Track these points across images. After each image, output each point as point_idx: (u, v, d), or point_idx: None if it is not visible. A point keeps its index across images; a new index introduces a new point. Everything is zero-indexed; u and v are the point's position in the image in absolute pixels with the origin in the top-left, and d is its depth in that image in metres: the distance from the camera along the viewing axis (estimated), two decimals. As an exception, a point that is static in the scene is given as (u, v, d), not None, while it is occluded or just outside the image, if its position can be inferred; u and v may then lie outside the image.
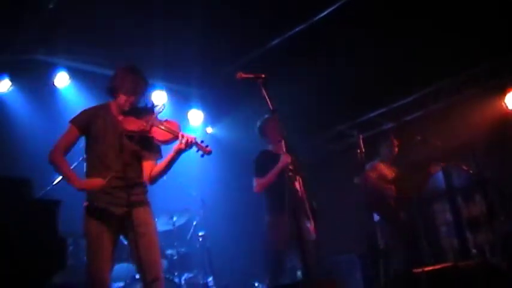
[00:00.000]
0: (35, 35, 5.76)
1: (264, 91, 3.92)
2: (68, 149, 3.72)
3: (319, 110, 7.55)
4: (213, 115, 7.80)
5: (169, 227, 6.23)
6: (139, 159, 3.80)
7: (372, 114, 7.95)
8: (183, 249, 6.22)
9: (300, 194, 4.80)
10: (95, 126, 3.71)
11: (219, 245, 6.73)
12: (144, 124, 3.66)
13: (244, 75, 3.99)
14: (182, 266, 6.10)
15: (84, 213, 3.64)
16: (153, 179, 3.82)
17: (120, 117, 3.76)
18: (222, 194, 7.28)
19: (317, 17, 5.93)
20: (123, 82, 3.80)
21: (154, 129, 3.66)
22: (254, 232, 5.21)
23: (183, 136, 3.62)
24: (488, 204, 6.76)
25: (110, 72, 6.44)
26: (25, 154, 5.83)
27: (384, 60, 6.43)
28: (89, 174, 3.73)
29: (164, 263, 5.88)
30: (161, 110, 3.76)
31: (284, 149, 4.24)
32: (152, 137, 3.68)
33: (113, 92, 3.84)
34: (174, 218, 6.23)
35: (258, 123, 5.33)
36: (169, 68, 6.61)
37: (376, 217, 6.05)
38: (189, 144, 3.62)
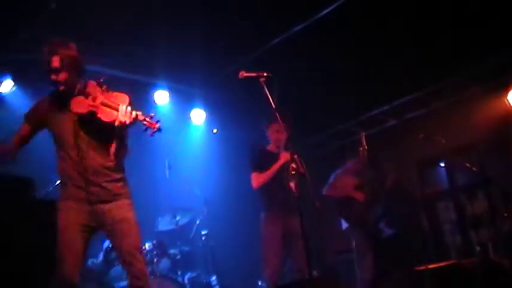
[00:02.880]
0: (37, 35, 5.76)
1: (266, 90, 3.93)
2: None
3: (322, 108, 7.54)
4: (216, 114, 7.79)
5: (173, 226, 6.25)
6: (100, 144, 3.48)
7: (374, 112, 7.94)
8: (186, 249, 6.23)
9: (295, 193, 4.87)
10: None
11: (222, 244, 6.73)
12: (92, 103, 3.35)
13: (246, 74, 4.01)
14: (185, 265, 6.11)
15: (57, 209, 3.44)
16: (118, 162, 3.53)
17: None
18: (225, 193, 7.28)
19: (318, 15, 5.92)
20: None
21: (101, 109, 3.34)
22: (257, 231, 5.24)
23: (124, 109, 3.29)
24: (491, 202, 6.76)
25: (112, 72, 6.53)
26: (27, 154, 5.83)
27: (387, 57, 6.42)
28: (58, 165, 3.54)
29: (167, 262, 5.91)
30: (104, 81, 3.48)
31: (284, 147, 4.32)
32: (99, 118, 3.33)
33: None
34: (177, 217, 6.25)
35: (264, 123, 5.41)
36: (171, 67, 6.61)
37: (345, 225, 6.11)
38: (131, 119, 3.28)
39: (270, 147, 5.38)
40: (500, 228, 6.36)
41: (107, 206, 3.43)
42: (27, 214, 3.81)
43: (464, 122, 6.99)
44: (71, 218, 3.37)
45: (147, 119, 3.30)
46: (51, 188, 5.28)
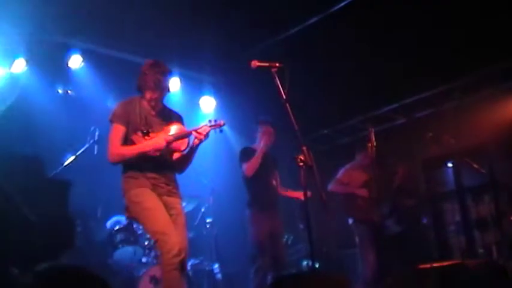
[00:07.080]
0: (50, 17, 5.76)
1: (277, 80, 3.90)
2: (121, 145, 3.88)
3: (332, 102, 7.51)
4: (226, 103, 7.77)
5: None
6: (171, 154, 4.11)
7: (384, 109, 7.91)
8: (190, 235, 6.23)
9: (276, 190, 5.55)
10: (132, 119, 3.91)
11: (226, 233, 6.75)
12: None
13: (258, 64, 3.96)
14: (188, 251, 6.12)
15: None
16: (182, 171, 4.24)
17: (153, 113, 4.02)
18: (232, 183, 7.27)
19: (332, 9, 5.89)
20: (145, 80, 3.95)
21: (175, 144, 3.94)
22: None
23: (196, 131, 3.87)
24: (498, 205, 6.72)
25: (123, 56, 6.53)
26: (38, 134, 5.85)
27: (399, 55, 6.38)
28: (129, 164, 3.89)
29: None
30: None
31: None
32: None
33: (139, 90, 4.03)
34: (183, 204, 6.24)
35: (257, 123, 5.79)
36: (182, 53, 6.59)
37: (350, 221, 6.12)
38: (206, 136, 3.87)
39: (256, 146, 5.64)
40: (505, 231, 6.34)
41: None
42: (37, 192, 3.85)
43: (474, 123, 6.93)
44: None
45: (214, 125, 3.90)
46: (60, 168, 5.31)
